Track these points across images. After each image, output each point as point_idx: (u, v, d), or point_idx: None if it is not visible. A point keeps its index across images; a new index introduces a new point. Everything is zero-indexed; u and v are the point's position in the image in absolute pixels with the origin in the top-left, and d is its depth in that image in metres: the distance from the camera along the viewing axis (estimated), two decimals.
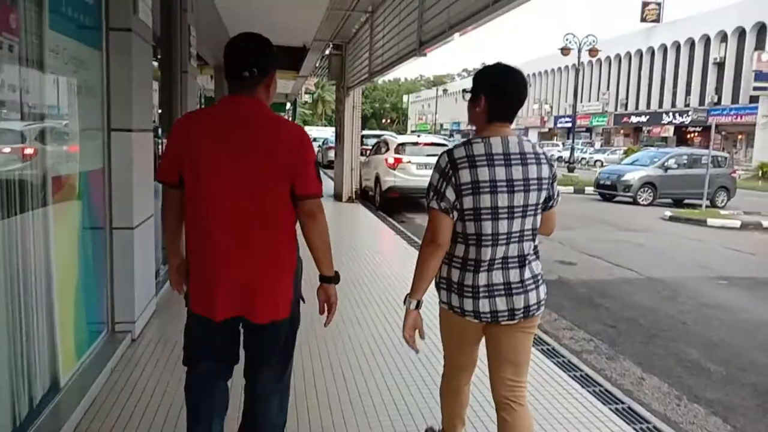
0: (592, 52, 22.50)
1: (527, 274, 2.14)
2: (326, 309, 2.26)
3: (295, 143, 2.07)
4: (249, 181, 2.03)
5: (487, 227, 2.07)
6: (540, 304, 2.17)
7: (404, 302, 2.19)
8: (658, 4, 48.58)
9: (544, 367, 3.87)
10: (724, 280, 7.49)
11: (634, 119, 52.14)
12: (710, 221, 12.59)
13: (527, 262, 2.14)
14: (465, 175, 2.05)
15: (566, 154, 37.23)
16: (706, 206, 14.98)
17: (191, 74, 6.42)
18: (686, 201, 16.75)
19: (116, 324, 3.88)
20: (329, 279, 2.24)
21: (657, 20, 48.71)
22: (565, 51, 21.15)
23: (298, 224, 2.16)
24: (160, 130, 5.72)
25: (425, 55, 6.19)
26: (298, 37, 12.08)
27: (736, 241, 10.61)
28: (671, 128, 49.27)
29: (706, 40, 44.42)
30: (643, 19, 49.00)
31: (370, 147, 15.31)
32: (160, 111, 5.98)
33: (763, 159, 36.82)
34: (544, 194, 2.14)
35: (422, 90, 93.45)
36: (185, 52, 6.20)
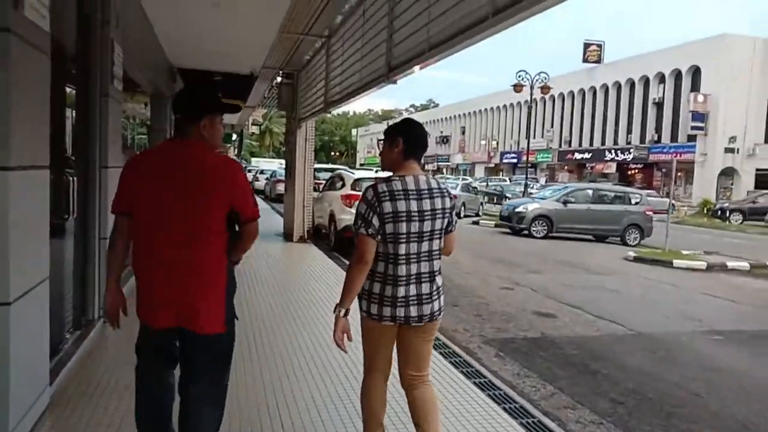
0: (544, 89, 22.50)
1: (434, 287, 2.67)
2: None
3: (228, 179, 2.44)
4: (183, 211, 2.36)
5: (402, 248, 2.58)
6: (441, 310, 2.72)
7: (334, 311, 2.64)
8: (599, 46, 50.34)
9: None
10: (718, 334, 6.85)
11: (577, 156, 53.27)
12: (676, 263, 12.20)
13: (434, 277, 2.68)
14: (387, 207, 2.56)
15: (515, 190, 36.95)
16: (638, 243, 15.55)
17: (114, 98, 5.35)
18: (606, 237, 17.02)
19: None
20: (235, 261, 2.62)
21: (598, 61, 50.38)
22: (517, 88, 21.02)
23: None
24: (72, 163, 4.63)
25: (395, 82, 5.35)
26: (245, 63, 11.11)
27: (709, 285, 10.15)
28: (614, 165, 50.60)
29: (645, 80, 46.08)
30: (585, 60, 50.62)
31: (323, 181, 14.37)
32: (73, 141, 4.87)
33: (703, 195, 38.07)
34: (446, 221, 2.69)
35: (371, 124, 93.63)
36: (106, 71, 5.14)
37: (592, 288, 9.23)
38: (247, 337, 4.98)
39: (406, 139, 2.69)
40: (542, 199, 18.32)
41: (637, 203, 17.35)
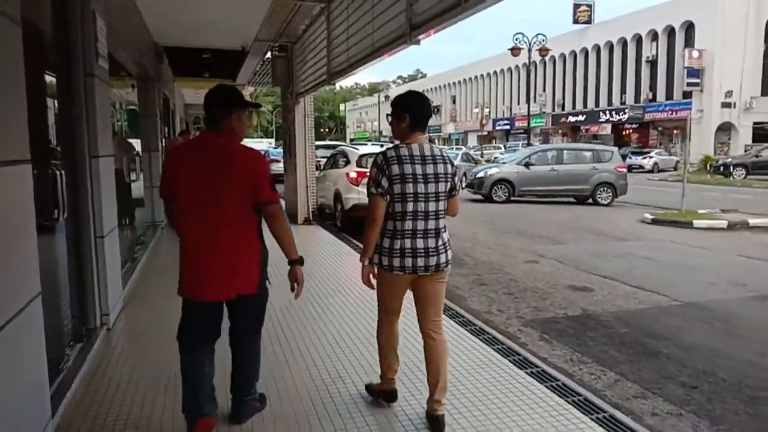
0: (543, 51, 21.75)
1: (440, 242, 3.04)
2: (296, 285, 2.98)
3: (251, 166, 2.84)
4: (218, 190, 2.77)
5: (410, 206, 2.97)
6: (448, 262, 3.08)
7: (360, 261, 3.15)
8: (589, 6, 49.26)
9: None
10: None
11: (571, 119, 52.62)
12: (696, 223, 11.73)
13: (440, 233, 3.05)
14: (395, 169, 2.95)
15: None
16: (603, 202, 15.52)
17: (100, 78, 4.71)
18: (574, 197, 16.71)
19: None
20: (295, 262, 2.97)
21: (589, 21, 49.37)
22: (515, 51, 20.26)
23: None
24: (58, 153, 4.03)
25: (418, 42, 4.70)
26: (235, 37, 10.41)
27: (740, 245, 9.70)
28: (609, 126, 50.02)
29: (638, 39, 45.24)
30: (576, 21, 49.57)
31: (322, 160, 13.74)
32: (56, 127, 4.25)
33: (702, 152, 37.60)
34: (448, 185, 3.05)
35: (359, 98, 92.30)
36: (90, 47, 4.50)
37: (621, 256, 8.74)
38: (268, 333, 4.46)
39: (411, 114, 3.03)
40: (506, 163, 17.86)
41: (608, 161, 16.70)
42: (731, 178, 25.64)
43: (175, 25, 9.44)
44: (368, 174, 3.07)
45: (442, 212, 3.04)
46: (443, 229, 3.05)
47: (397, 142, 3.10)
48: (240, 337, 3.04)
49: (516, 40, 20.99)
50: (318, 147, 17.15)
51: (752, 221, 11.88)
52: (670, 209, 13.59)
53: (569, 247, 9.59)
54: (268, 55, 12.24)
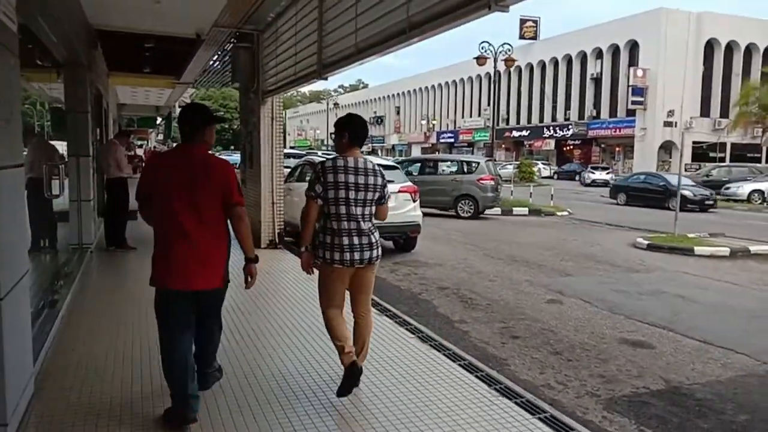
0: (509, 61, 20.82)
1: (371, 240, 3.57)
2: (249, 279, 3.40)
3: (223, 173, 3.26)
4: (194, 195, 3.14)
5: (343, 209, 3.49)
6: (378, 257, 3.63)
7: (299, 249, 3.95)
8: (535, 22, 49.57)
9: None
10: None
11: (515, 133, 52.79)
12: (697, 250, 10.82)
13: (368, 233, 3.56)
14: (330, 177, 3.47)
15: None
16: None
17: (4, 47, 2.96)
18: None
19: None
20: (251, 260, 3.37)
21: (534, 37, 49.68)
22: (480, 60, 19.22)
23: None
24: None
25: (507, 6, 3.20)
26: (190, 22, 8.62)
27: (763, 279, 8.75)
28: (552, 142, 50.42)
29: (583, 56, 45.80)
30: (522, 36, 49.73)
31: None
32: None
33: (643, 170, 38.14)
34: (377, 195, 3.59)
35: (299, 105, 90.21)
36: None
37: (649, 294, 7.54)
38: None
39: (350, 132, 3.60)
40: None
41: (472, 172, 15.89)
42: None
43: (117, 3, 7.58)
44: (309, 179, 3.70)
45: (368, 216, 3.58)
46: (373, 230, 3.62)
47: (334, 154, 3.69)
48: (205, 322, 3.44)
49: (482, 49, 19.93)
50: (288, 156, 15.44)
51: (753, 248, 11.11)
52: (662, 233, 12.71)
53: (581, 279, 8.34)
54: (226, 48, 10.46)
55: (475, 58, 19.66)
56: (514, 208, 18.23)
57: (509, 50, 20.36)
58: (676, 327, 6.02)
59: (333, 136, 3.78)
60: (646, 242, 11.52)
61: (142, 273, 6.94)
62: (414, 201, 9.58)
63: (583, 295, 7.25)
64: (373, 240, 3.57)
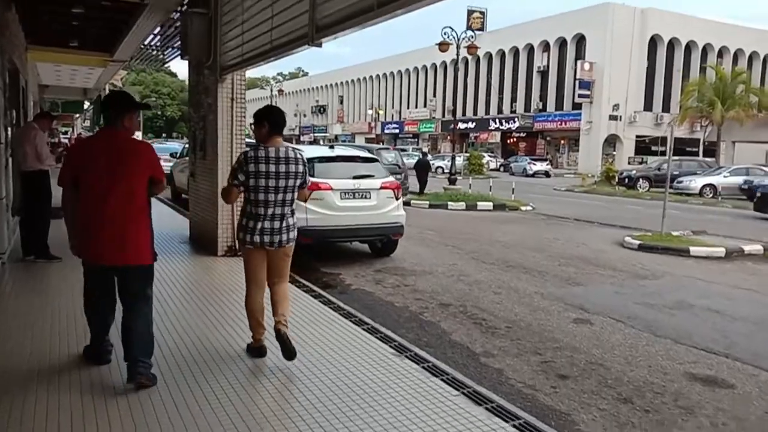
0: (471, 48, 19.83)
1: (284, 224, 3.88)
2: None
3: (149, 154, 3.57)
4: (120, 176, 3.41)
5: (262, 196, 3.79)
6: (290, 240, 3.95)
7: (232, 185, 3.95)
8: (482, 13, 49.00)
9: None
10: None
11: (461, 125, 52.31)
12: (693, 250, 10.12)
13: (285, 218, 3.89)
14: (252, 167, 3.75)
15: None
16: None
17: None
18: None
19: None
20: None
21: (481, 29, 49.06)
22: (443, 46, 18.16)
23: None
24: None
25: None
26: None
27: None
28: (498, 134, 50.29)
29: (530, 49, 45.72)
30: (469, 27, 49.00)
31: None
32: None
33: (589, 163, 38.40)
34: (299, 181, 3.91)
35: None
36: None
37: (677, 308, 6.60)
38: None
39: (269, 122, 3.87)
40: None
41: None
42: (638, 190, 25.55)
43: None
44: (232, 166, 4.14)
45: (289, 202, 3.91)
46: (289, 215, 3.94)
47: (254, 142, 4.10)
48: (132, 300, 3.56)
49: (444, 35, 18.81)
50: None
51: (746, 248, 10.52)
52: (647, 231, 12.01)
53: (593, 290, 7.35)
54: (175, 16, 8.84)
55: (437, 44, 18.49)
56: (478, 203, 17.35)
57: (472, 37, 19.35)
58: (738, 354, 5.06)
59: (252, 126, 4.03)
60: (637, 242, 10.72)
61: (70, 292, 5.42)
62: (397, 199, 8.31)
63: (609, 312, 6.23)
64: (290, 224, 3.93)
